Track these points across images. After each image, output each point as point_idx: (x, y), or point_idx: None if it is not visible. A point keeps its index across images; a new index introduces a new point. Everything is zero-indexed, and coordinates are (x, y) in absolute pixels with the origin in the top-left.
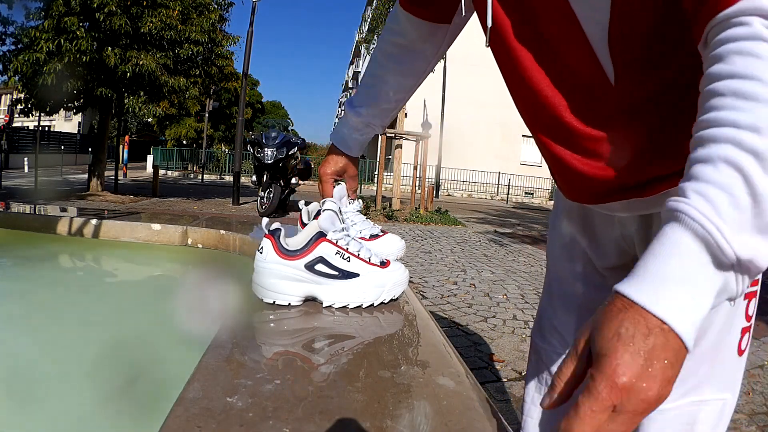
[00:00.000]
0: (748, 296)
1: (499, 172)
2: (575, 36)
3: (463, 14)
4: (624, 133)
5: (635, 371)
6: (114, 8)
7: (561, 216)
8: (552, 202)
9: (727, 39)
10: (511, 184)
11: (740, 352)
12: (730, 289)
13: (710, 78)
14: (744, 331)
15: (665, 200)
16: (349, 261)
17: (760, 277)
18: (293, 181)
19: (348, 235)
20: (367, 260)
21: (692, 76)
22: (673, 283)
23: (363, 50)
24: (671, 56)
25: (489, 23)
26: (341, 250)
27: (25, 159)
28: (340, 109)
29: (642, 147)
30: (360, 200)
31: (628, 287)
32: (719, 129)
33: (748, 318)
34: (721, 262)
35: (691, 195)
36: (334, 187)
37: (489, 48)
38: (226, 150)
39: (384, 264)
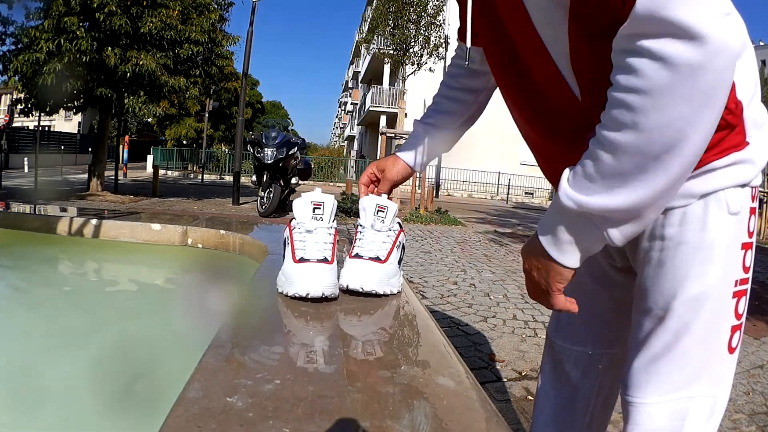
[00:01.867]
0: (737, 295)
1: (499, 172)
2: (545, 62)
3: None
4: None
5: (524, 248)
6: (114, 8)
7: None
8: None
9: (617, 50)
10: (511, 184)
11: (731, 350)
12: (584, 228)
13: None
14: (734, 329)
15: None
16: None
17: (749, 276)
18: (293, 181)
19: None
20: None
21: None
22: (548, 214)
23: (363, 50)
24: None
25: (468, 38)
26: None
27: (25, 159)
28: (340, 109)
29: None
30: (385, 220)
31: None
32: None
33: (738, 316)
34: (559, 205)
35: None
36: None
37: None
38: (226, 150)
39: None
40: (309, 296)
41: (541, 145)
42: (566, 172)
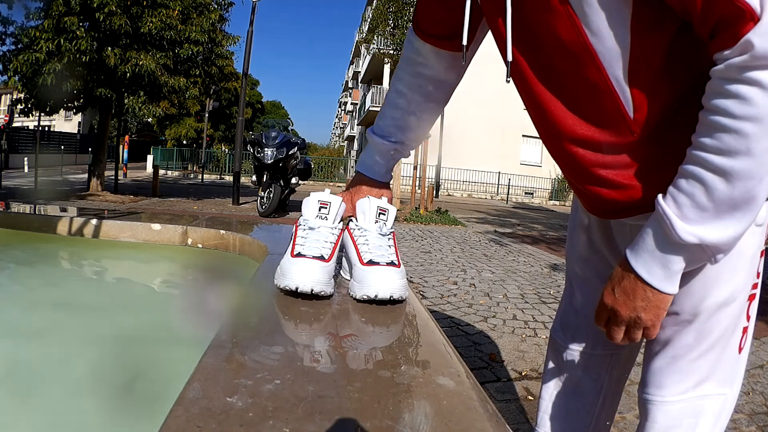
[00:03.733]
0: (750, 298)
1: (499, 172)
2: (595, 75)
3: (465, 57)
4: (636, 158)
5: (612, 299)
6: (114, 8)
7: (580, 221)
8: (552, 203)
9: (724, 78)
10: (511, 184)
11: (740, 350)
12: (697, 257)
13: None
14: (744, 330)
15: None
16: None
17: (759, 280)
18: (293, 181)
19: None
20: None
21: (699, 95)
22: (645, 251)
23: (363, 50)
24: (683, 79)
25: (509, 57)
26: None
27: (25, 159)
28: (340, 109)
29: (653, 168)
30: (385, 226)
31: (628, 250)
32: (694, 150)
33: (748, 318)
34: (674, 240)
35: (667, 196)
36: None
37: (509, 82)
38: (226, 150)
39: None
40: (298, 290)
41: (575, 163)
42: (665, 205)
